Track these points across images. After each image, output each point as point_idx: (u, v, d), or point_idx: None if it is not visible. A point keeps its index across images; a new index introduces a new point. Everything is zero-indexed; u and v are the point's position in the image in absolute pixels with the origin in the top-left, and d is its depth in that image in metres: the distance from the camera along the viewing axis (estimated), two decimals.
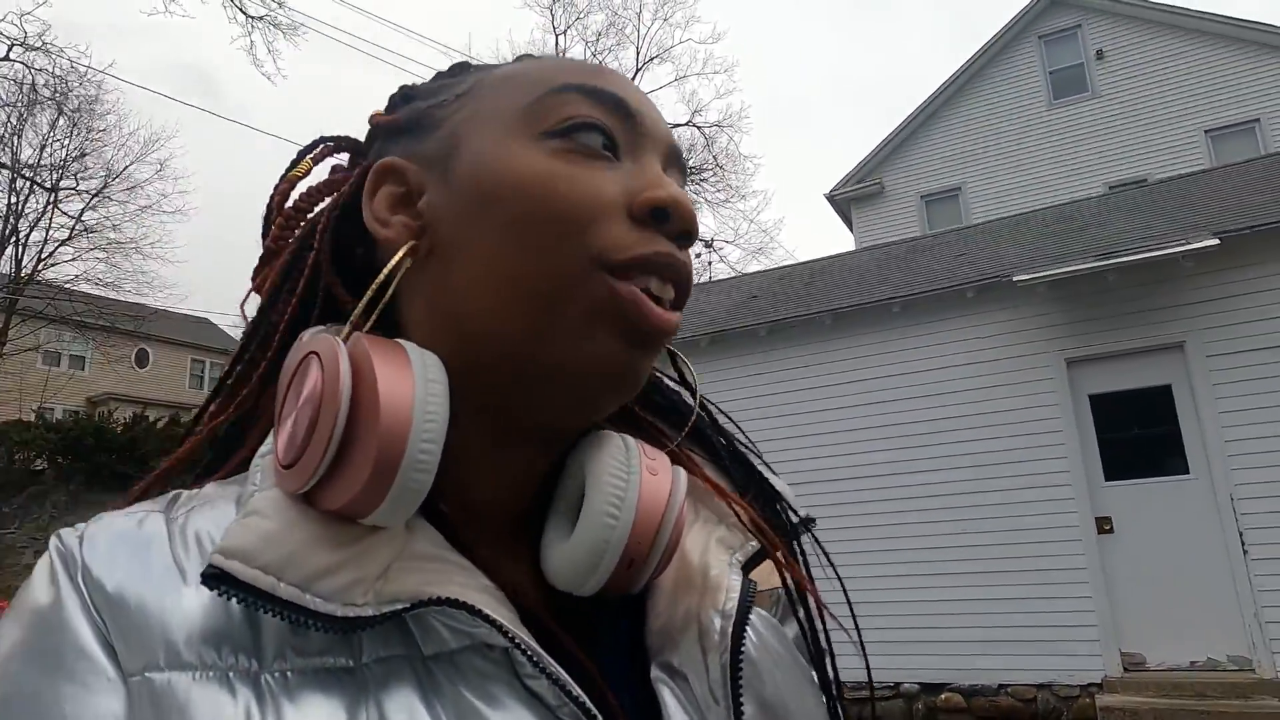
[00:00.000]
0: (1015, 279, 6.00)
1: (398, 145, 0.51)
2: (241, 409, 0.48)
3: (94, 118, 18.36)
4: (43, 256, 18.13)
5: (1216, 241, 5.45)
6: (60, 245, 18.35)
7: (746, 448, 0.57)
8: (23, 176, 17.39)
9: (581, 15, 24.02)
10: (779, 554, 0.50)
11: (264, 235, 0.53)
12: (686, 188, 0.49)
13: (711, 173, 20.64)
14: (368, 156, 0.53)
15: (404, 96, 0.54)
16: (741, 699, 0.42)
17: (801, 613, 0.52)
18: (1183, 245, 5.53)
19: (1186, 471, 5.64)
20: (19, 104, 16.94)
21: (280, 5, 13.96)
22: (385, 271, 0.45)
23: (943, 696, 5.95)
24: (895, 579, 6.11)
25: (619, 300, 0.42)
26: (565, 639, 0.42)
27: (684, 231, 0.45)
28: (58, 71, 16.64)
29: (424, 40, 63.55)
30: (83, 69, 19.85)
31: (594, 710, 0.38)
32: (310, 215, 0.52)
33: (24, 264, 17.89)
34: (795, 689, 0.47)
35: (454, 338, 0.44)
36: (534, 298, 0.43)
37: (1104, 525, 5.74)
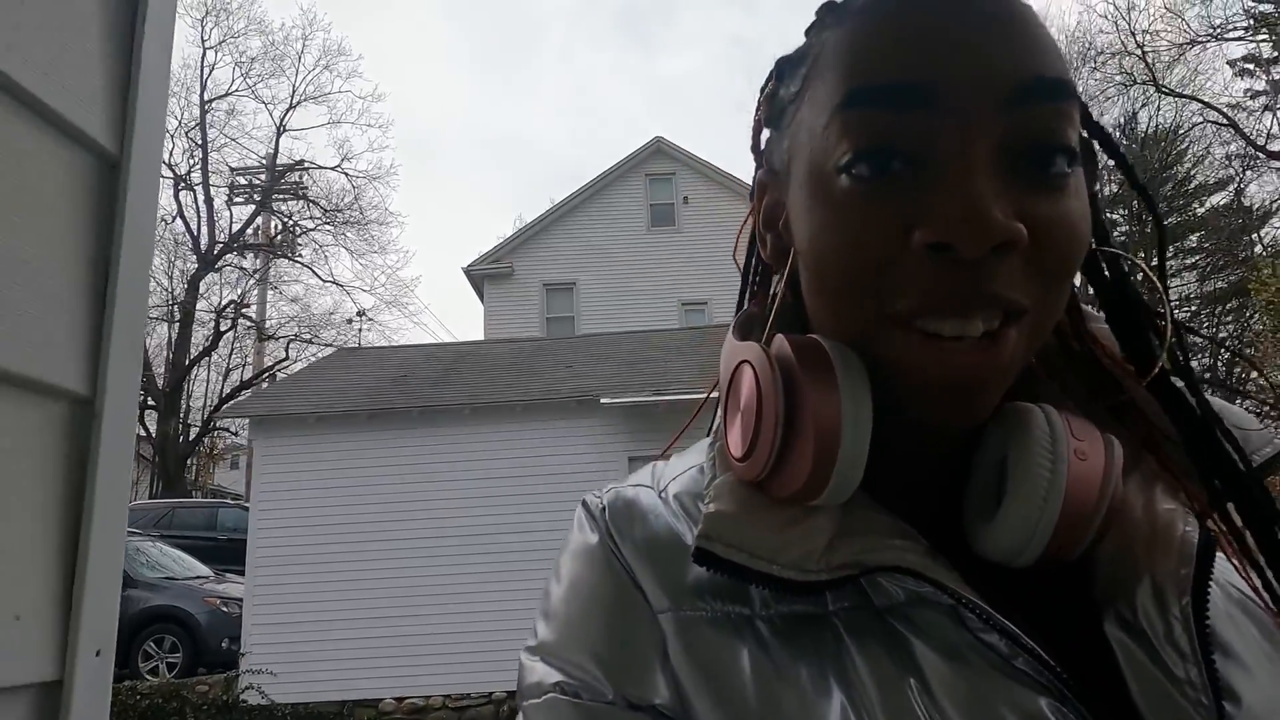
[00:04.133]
0: (602, 400, 8.75)
1: (771, 137, 0.50)
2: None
3: None
4: None
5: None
6: None
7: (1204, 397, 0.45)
8: None
9: (236, 36, 22.36)
10: (1215, 522, 0.44)
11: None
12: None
13: (358, 224, 21.43)
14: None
15: (778, 70, 0.50)
16: (1213, 654, 0.38)
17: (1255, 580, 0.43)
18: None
19: None
20: None
21: None
22: (774, 294, 0.51)
23: None
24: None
25: (900, 359, 0.40)
26: (1001, 595, 0.41)
27: (984, 253, 0.37)
28: None
29: None
30: None
31: (1046, 657, 0.38)
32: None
33: None
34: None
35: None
36: (850, 342, 0.43)
37: None
